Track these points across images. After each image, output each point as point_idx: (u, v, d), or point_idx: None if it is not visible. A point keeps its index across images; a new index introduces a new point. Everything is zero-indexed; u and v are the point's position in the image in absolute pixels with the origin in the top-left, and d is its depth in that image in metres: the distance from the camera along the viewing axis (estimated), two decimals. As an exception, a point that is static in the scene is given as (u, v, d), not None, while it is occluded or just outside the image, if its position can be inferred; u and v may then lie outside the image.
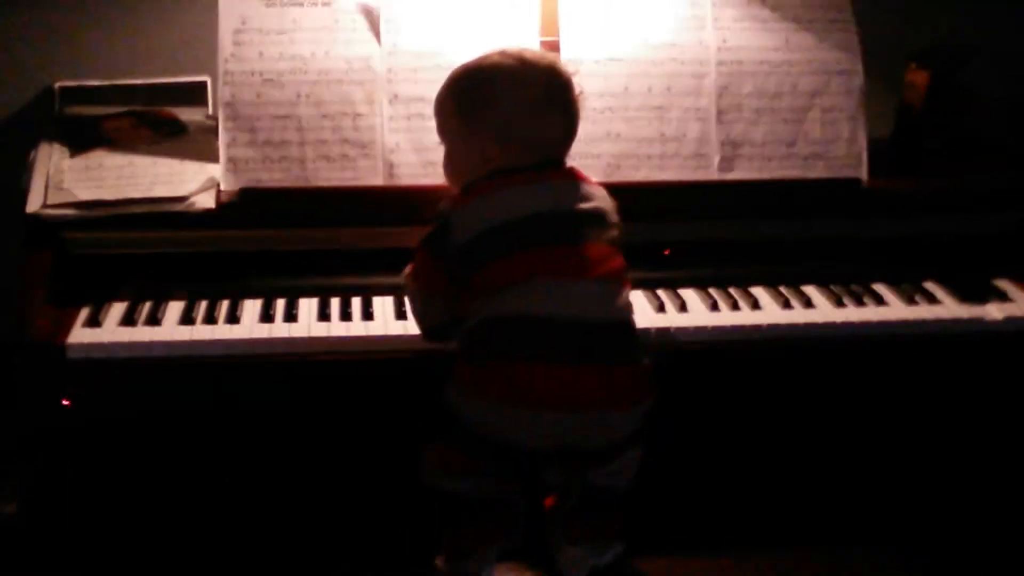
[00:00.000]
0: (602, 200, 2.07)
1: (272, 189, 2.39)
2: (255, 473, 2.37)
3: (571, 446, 1.98)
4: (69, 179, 2.33)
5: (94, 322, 2.20)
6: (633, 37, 2.49)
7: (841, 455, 2.47)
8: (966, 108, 2.58)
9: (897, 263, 2.49)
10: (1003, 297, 2.40)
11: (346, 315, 2.26)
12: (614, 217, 2.07)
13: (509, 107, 2.05)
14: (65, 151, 2.43)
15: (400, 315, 2.26)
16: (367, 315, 2.26)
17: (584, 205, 2.04)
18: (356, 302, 2.31)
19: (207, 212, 2.31)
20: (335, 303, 2.31)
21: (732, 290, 2.41)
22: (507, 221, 1.99)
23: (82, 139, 2.48)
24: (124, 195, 2.30)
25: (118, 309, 2.26)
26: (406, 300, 2.18)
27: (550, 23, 2.51)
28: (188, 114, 2.62)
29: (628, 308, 2.02)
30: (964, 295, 2.39)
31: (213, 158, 2.42)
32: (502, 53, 2.09)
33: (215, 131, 2.52)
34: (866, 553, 2.33)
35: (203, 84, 2.66)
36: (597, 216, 2.04)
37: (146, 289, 2.31)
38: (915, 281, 2.46)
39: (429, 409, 2.08)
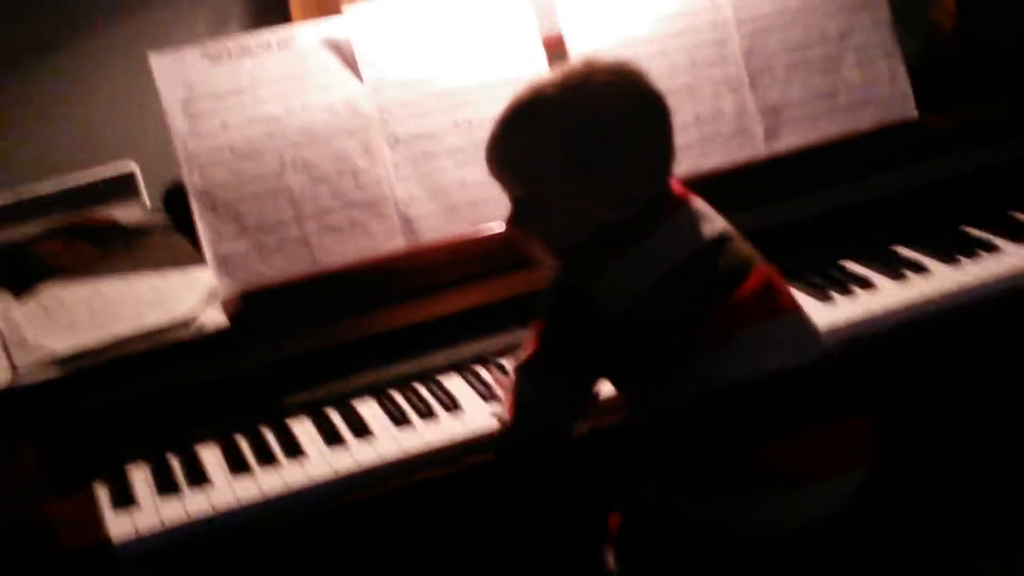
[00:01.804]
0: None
1: (277, 284, 1.95)
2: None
3: (824, 516, 1.61)
4: (31, 331, 1.82)
5: (125, 500, 1.70)
6: (641, 13, 2.14)
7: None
8: (991, 24, 2.35)
9: (974, 203, 2.23)
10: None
11: (428, 412, 1.84)
12: None
13: (627, 140, 1.59)
14: (5, 295, 1.91)
15: (492, 395, 1.85)
16: (453, 405, 1.85)
17: (720, 224, 1.65)
18: (425, 393, 1.90)
19: (219, 331, 1.85)
20: (401, 401, 1.88)
21: (832, 272, 2.09)
22: (672, 272, 1.58)
23: (16, 276, 1.95)
24: (110, 335, 1.81)
25: (142, 475, 1.77)
26: (520, 401, 1.66)
27: (546, 16, 2.14)
28: (122, 213, 2.13)
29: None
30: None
31: (188, 261, 1.96)
32: (587, 66, 1.61)
33: (170, 227, 2.07)
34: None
35: (129, 174, 2.17)
36: (733, 232, 1.67)
37: (161, 441, 1.83)
38: (1003, 216, 2.19)
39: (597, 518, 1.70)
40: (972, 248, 2.10)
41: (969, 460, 2.18)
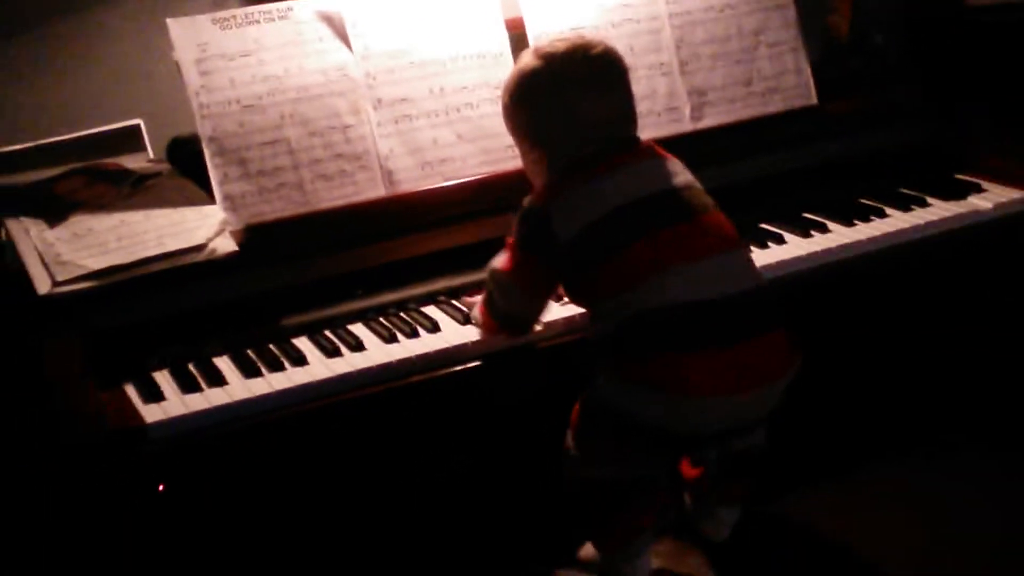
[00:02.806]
0: (687, 171, 2.06)
1: (276, 221, 2.23)
2: (375, 509, 2.24)
3: (742, 423, 1.98)
4: (67, 251, 2.08)
5: (154, 396, 1.98)
6: (589, 3, 2.48)
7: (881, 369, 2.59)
8: (878, 27, 2.74)
9: (868, 178, 2.61)
10: (977, 189, 2.57)
11: (413, 332, 2.13)
12: (700, 185, 2.07)
13: (545, 105, 2.05)
14: (39, 222, 2.17)
15: (466, 320, 2.16)
16: (435, 327, 2.15)
17: (678, 180, 2.03)
18: (407, 318, 2.19)
19: (230, 256, 2.13)
20: (387, 324, 2.17)
21: (751, 231, 2.44)
22: (617, 208, 1.96)
23: (45, 207, 2.21)
24: (138, 256, 2.08)
25: (165, 378, 2.04)
26: (490, 296, 2.05)
27: (510, 2, 2.46)
28: (129, 162, 2.40)
29: (761, 273, 2.04)
30: (944, 194, 2.54)
31: (197, 201, 2.23)
32: (534, 52, 2.08)
33: (175, 173, 2.34)
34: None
35: (136, 128, 2.44)
36: (694, 187, 2.04)
37: (178, 351, 2.10)
38: (893, 190, 2.58)
39: (556, 402, 2.03)
40: (867, 214, 2.48)
41: (859, 374, 2.60)
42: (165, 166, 2.38)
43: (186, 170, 2.36)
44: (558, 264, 1.97)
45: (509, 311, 2.03)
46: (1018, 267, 2.51)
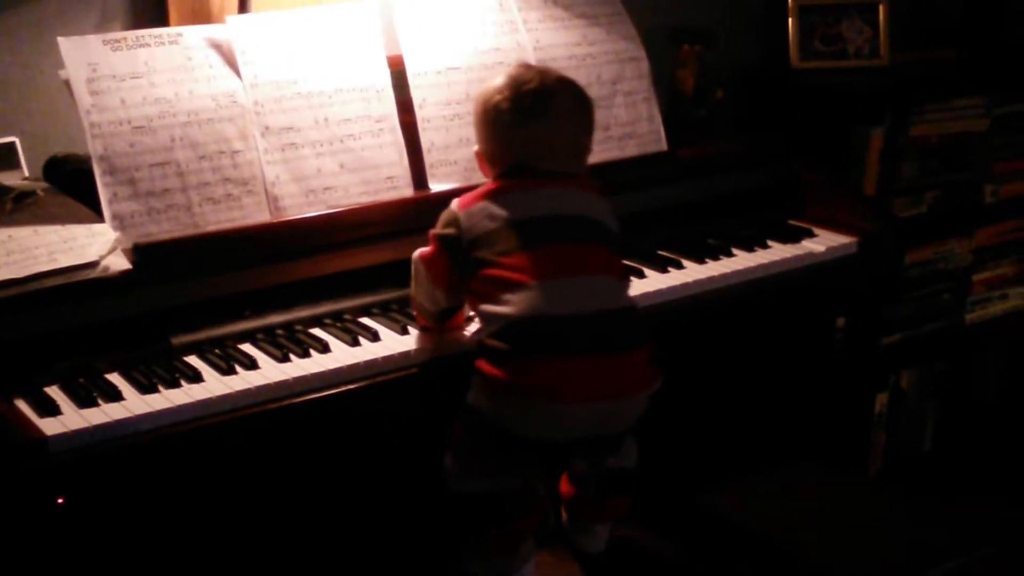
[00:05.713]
0: (603, 211, 2.22)
1: (165, 241, 2.25)
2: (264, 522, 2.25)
3: (602, 432, 2.13)
4: (-44, 264, 2.06)
5: (49, 410, 1.97)
6: (464, 45, 2.61)
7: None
8: (718, 82, 2.95)
9: (713, 220, 2.79)
10: (809, 234, 2.79)
11: (305, 352, 2.18)
12: (616, 228, 2.23)
13: (484, 128, 2.24)
14: (-79, 237, 2.13)
15: (355, 343, 2.23)
16: (325, 348, 2.20)
17: (583, 213, 2.19)
18: (288, 340, 2.25)
19: (123, 274, 2.14)
20: (277, 343, 2.21)
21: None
22: (506, 221, 2.12)
23: (-75, 221, 2.18)
24: (30, 270, 2.07)
25: (57, 393, 2.03)
26: (412, 282, 2.24)
27: (391, 40, 2.55)
28: (4, 179, 2.36)
29: (632, 299, 2.21)
30: (781, 238, 2.75)
31: (84, 219, 2.23)
32: (506, 70, 2.27)
33: (54, 191, 2.33)
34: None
35: (11, 145, 2.41)
36: (596, 223, 2.19)
37: (68, 367, 2.09)
38: (736, 233, 2.77)
39: (440, 420, 2.13)
40: (716, 253, 2.66)
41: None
42: (42, 184, 2.37)
43: (65, 189, 2.36)
44: (458, 262, 2.15)
45: (419, 296, 2.22)
46: (847, 303, 2.76)
